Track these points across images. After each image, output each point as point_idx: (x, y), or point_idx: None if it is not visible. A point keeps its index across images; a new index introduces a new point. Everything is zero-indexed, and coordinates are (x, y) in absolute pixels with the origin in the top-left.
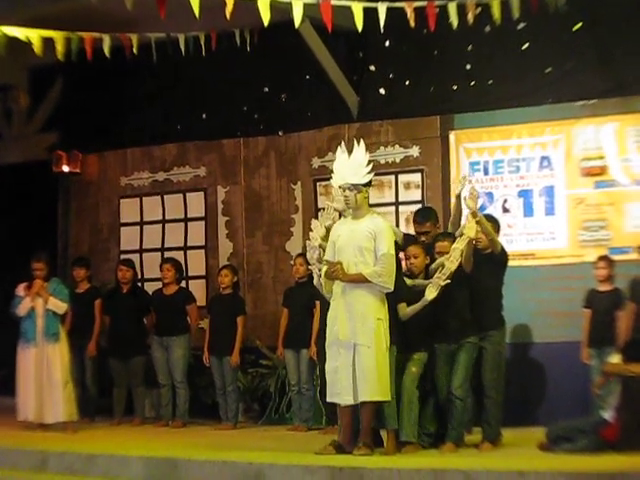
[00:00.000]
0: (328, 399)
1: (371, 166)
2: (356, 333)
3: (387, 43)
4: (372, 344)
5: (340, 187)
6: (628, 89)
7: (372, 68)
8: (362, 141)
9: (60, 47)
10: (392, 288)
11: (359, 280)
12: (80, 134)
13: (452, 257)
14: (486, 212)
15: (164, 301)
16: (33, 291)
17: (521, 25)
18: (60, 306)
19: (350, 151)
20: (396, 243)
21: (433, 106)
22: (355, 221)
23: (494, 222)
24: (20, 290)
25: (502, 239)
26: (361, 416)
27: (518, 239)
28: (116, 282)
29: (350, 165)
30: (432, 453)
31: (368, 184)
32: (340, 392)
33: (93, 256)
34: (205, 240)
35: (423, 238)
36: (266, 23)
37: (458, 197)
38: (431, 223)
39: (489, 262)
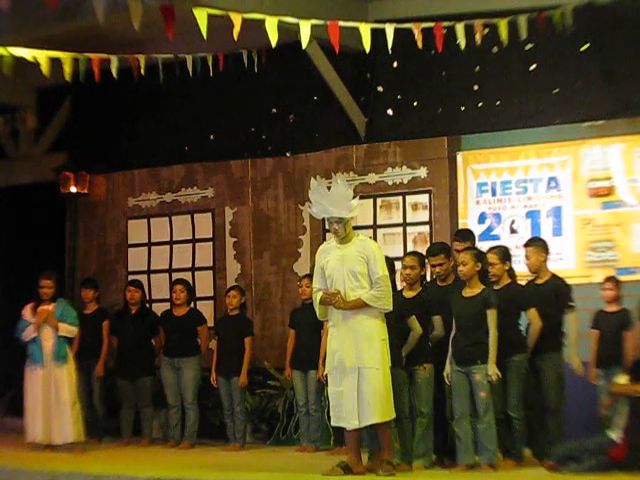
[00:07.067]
0: (333, 423)
1: (357, 199)
2: (362, 357)
3: (395, 64)
4: (379, 365)
5: (326, 219)
6: (635, 110)
7: (380, 89)
8: (340, 175)
9: (68, 68)
10: (391, 309)
11: (359, 306)
12: (88, 155)
13: None
14: (496, 241)
15: (175, 322)
16: (39, 320)
17: (529, 46)
18: (71, 330)
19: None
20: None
21: (441, 127)
22: (343, 246)
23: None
24: (26, 312)
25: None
26: (379, 438)
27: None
28: (124, 303)
29: (333, 199)
30: (432, 473)
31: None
32: (345, 416)
33: (100, 277)
34: (213, 261)
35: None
36: (274, 44)
37: None
38: (470, 242)
39: (548, 294)
